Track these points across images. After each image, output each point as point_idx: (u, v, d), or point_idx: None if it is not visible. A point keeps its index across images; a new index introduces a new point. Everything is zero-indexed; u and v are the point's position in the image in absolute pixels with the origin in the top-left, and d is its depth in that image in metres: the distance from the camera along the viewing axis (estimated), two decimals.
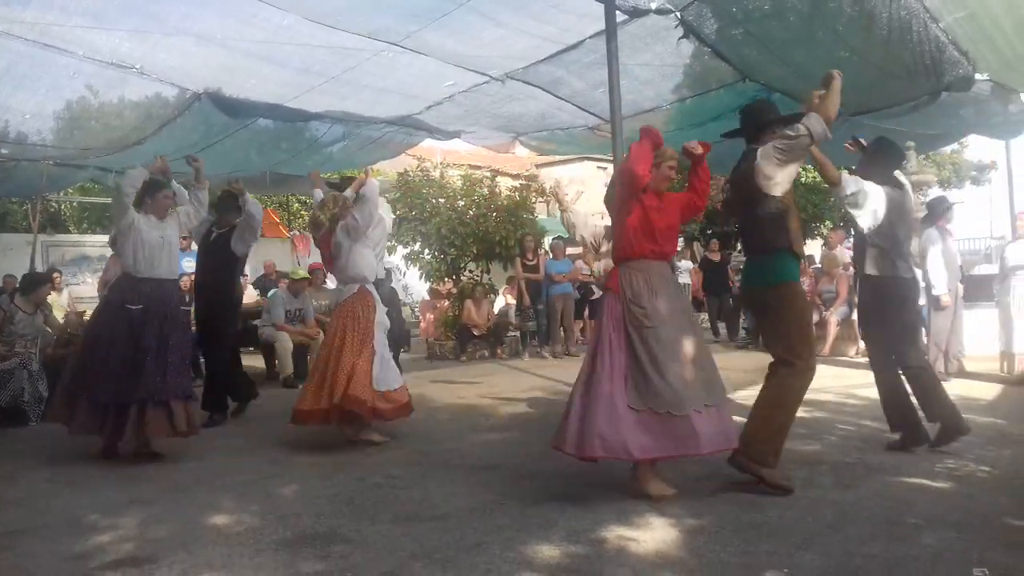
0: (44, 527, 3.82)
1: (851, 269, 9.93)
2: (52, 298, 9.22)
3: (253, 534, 3.61)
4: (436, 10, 6.49)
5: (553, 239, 12.72)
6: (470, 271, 12.84)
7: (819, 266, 11.92)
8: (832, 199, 14.83)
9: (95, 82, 7.76)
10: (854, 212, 5.08)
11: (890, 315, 5.03)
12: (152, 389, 5.04)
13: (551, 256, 12.12)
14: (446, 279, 12.91)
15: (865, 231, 5.06)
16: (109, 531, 3.70)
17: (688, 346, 3.99)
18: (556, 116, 9.55)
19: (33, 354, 6.95)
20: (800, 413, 4.40)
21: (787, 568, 3.05)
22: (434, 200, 12.60)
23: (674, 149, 4.20)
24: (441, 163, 16.13)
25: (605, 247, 5.59)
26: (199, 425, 5.42)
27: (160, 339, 5.15)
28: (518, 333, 12.49)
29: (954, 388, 7.39)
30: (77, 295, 12.56)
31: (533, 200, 12.84)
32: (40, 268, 11.85)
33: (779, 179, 4.14)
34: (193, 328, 6.66)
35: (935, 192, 15.35)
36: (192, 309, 7.06)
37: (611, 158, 7.06)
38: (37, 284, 7.37)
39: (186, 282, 8.50)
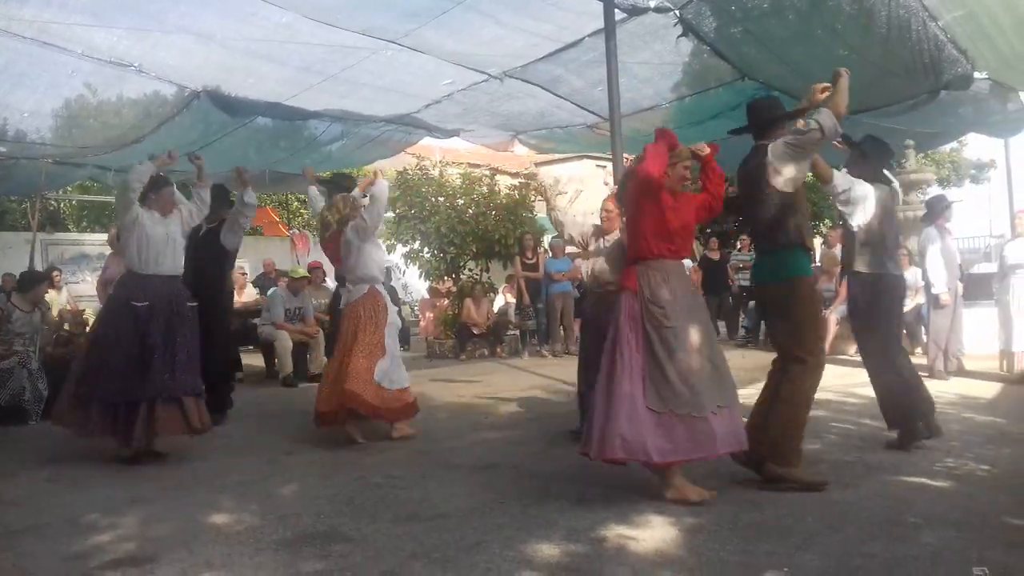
0: (44, 526, 3.81)
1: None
2: (52, 297, 9.23)
3: (253, 533, 3.60)
4: (435, 8, 6.50)
5: (553, 238, 12.71)
6: (469, 270, 12.83)
7: (819, 264, 11.92)
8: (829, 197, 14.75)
9: (94, 80, 7.77)
10: (845, 210, 5.12)
11: (881, 312, 5.07)
12: (162, 386, 5.00)
13: (551, 255, 12.12)
14: (445, 278, 12.91)
15: (855, 228, 5.08)
16: (109, 530, 3.70)
17: (706, 346, 3.98)
18: (555, 114, 9.56)
19: (32, 353, 6.94)
20: None
21: (787, 567, 3.04)
22: (433, 199, 12.59)
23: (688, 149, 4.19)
24: (440, 161, 16.06)
25: (593, 246, 5.59)
26: (210, 423, 5.39)
27: (167, 336, 5.10)
28: (518, 332, 12.48)
29: (953, 387, 7.42)
30: (77, 293, 12.56)
31: (532, 198, 12.83)
32: (39, 266, 11.85)
33: (791, 175, 4.14)
34: None
35: (934, 190, 15.42)
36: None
37: (610, 156, 7.06)
38: (34, 282, 7.34)
39: None
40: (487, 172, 15.18)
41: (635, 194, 4.11)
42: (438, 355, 11.81)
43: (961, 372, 8.20)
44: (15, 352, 6.78)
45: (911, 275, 10.24)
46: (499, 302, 13.01)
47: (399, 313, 6.45)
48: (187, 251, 6.42)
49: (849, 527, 3.50)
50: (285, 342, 9.15)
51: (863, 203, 5.02)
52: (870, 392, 5.28)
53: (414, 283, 16.04)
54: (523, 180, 13.56)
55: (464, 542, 3.42)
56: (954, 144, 20.87)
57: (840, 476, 4.33)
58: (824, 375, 4.30)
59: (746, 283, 12.11)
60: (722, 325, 13.14)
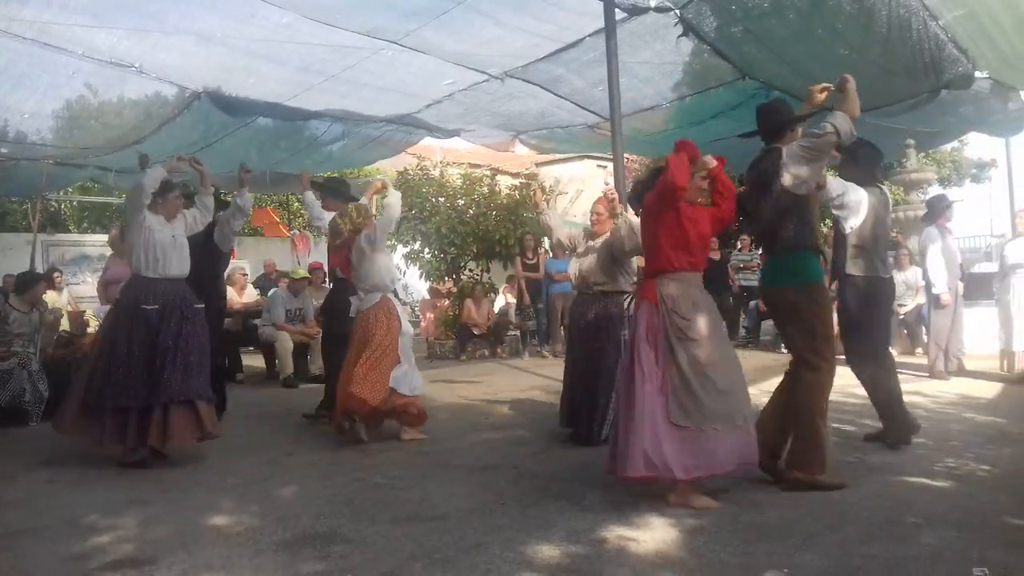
0: (44, 528, 3.81)
1: None
2: (53, 298, 9.23)
3: (252, 535, 3.60)
4: (435, 8, 6.49)
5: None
6: (470, 270, 12.83)
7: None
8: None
9: (94, 81, 7.76)
10: (840, 214, 5.20)
11: (872, 314, 5.14)
12: (177, 390, 4.98)
13: (551, 255, 12.11)
14: (446, 278, 12.91)
15: (847, 232, 5.12)
16: (108, 532, 3.70)
17: (728, 359, 3.98)
18: (555, 114, 9.54)
19: (32, 354, 6.92)
20: None
21: (787, 568, 3.04)
22: (434, 199, 12.60)
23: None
24: (441, 162, 16.11)
25: (582, 248, 5.58)
26: (219, 427, 5.38)
27: (178, 338, 5.08)
28: (518, 332, 12.48)
29: (954, 387, 7.42)
30: (77, 295, 12.55)
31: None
32: (40, 268, 11.85)
33: (805, 177, 4.14)
34: None
35: (935, 190, 15.41)
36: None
37: (611, 156, 7.05)
38: (31, 283, 7.30)
39: None
40: (488, 172, 15.22)
41: (656, 205, 4.06)
42: (438, 356, 11.81)
43: (962, 372, 8.20)
44: (15, 353, 6.77)
45: (912, 275, 10.27)
46: (500, 302, 13.01)
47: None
48: None
49: (849, 527, 3.50)
50: (286, 343, 9.15)
51: (857, 208, 5.09)
52: None
53: (414, 284, 16.04)
54: (524, 180, 13.56)
55: (464, 543, 3.42)
56: (955, 143, 20.81)
57: (840, 476, 4.33)
58: None
59: (746, 283, 12.10)
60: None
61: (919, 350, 10.01)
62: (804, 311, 4.20)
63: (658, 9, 6.77)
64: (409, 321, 6.12)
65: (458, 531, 3.58)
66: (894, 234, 12.17)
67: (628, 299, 5.43)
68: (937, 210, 8.10)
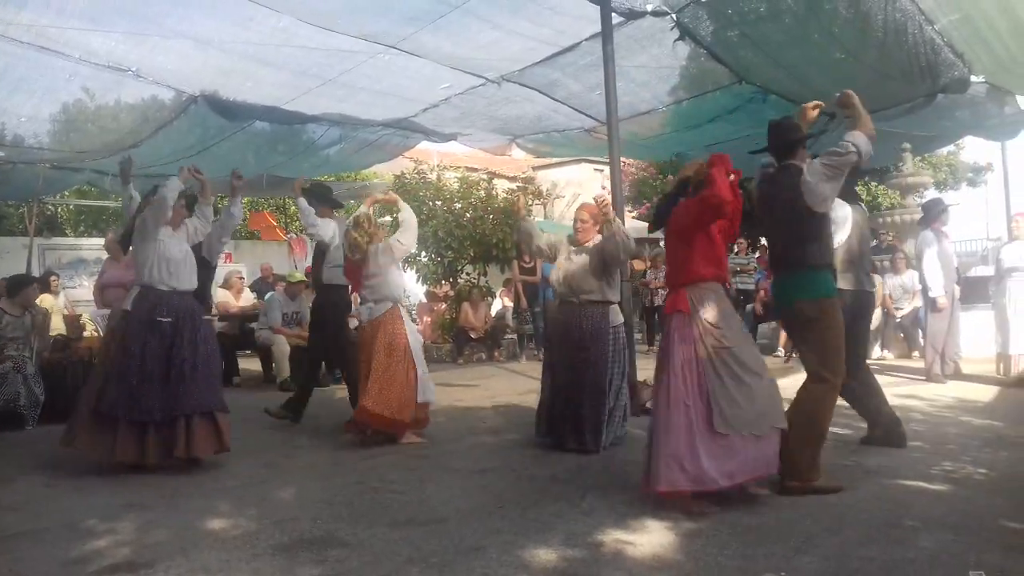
0: (42, 531, 3.80)
1: None
2: (50, 301, 9.20)
3: (250, 538, 3.60)
4: (432, 12, 6.50)
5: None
6: (467, 273, 12.85)
7: None
8: None
9: (91, 85, 7.75)
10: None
11: (857, 328, 5.18)
12: (198, 402, 4.99)
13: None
14: (443, 282, 12.92)
15: (835, 247, 5.17)
16: (106, 536, 3.69)
17: (760, 365, 4.02)
18: (552, 118, 9.56)
19: (27, 358, 6.90)
20: None
21: (784, 571, 3.04)
22: (431, 203, 12.61)
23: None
24: (438, 165, 16.13)
25: (563, 255, 5.51)
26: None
27: (195, 350, 5.08)
28: (515, 336, 12.48)
29: (950, 390, 7.43)
30: (74, 298, 12.52)
31: (530, 202, 12.84)
32: (36, 271, 11.82)
33: (827, 195, 4.19)
34: None
35: (931, 194, 15.46)
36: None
37: (607, 160, 7.06)
38: (22, 286, 7.23)
39: None
40: (485, 176, 15.24)
41: (696, 218, 4.04)
42: (435, 359, 11.79)
43: (958, 375, 8.21)
44: (9, 357, 6.75)
45: (908, 278, 10.29)
46: (497, 306, 13.02)
47: None
48: None
49: (847, 530, 3.50)
50: (282, 346, 9.15)
51: (844, 223, 5.16)
52: None
53: (411, 287, 16.03)
54: (520, 184, 13.57)
55: (462, 546, 3.41)
56: (951, 147, 20.86)
57: (838, 480, 4.33)
58: None
59: (744, 286, 12.13)
60: None
61: (916, 353, 10.02)
62: (815, 327, 4.24)
63: (655, 13, 6.79)
64: None
65: (456, 534, 3.58)
66: (890, 238, 12.22)
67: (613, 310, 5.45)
68: (933, 214, 8.13)
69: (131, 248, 5.37)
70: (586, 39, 7.27)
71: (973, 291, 9.84)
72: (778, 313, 4.73)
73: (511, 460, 5.11)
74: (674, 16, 6.84)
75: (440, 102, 8.85)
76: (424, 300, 13.75)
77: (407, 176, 13.45)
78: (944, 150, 20.35)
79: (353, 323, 9.71)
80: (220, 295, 10.21)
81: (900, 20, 6.33)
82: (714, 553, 3.26)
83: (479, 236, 12.06)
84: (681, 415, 3.82)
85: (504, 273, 13.12)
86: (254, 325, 9.89)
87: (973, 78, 7.47)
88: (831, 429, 5.66)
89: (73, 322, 9.52)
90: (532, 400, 7.57)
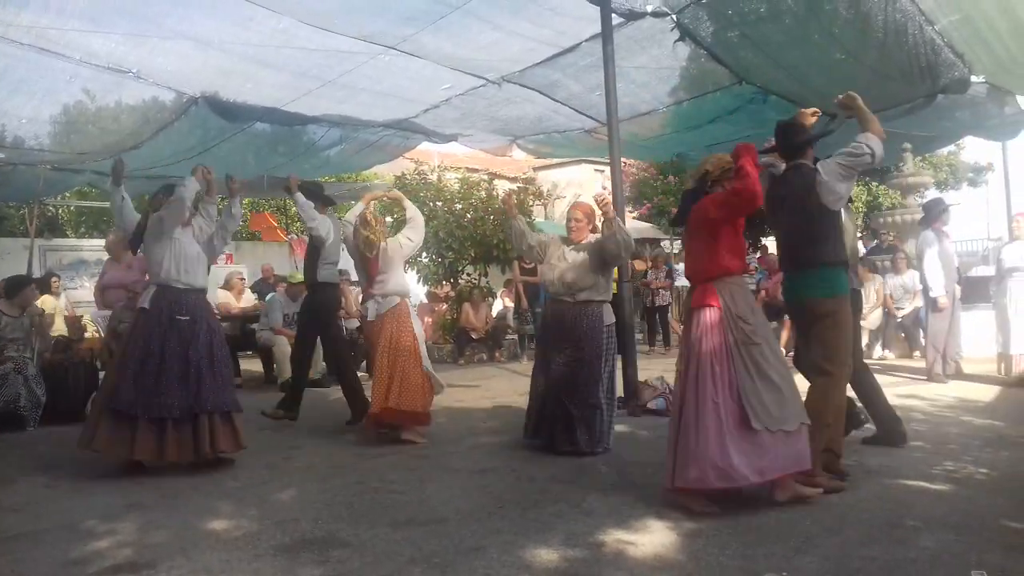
0: (43, 532, 3.80)
1: None
2: (51, 302, 9.20)
3: (251, 539, 3.60)
4: (432, 13, 6.50)
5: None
6: (468, 274, 12.84)
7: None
8: None
9: (92, 86, 7.75)
10: None
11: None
12: (218, 400, 5.00)
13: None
14: (444, 282, 12.91)
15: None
16: (107, 536, 3.69)
17: (783, 362, 4.02)
18: (553, 119, 9.56)
19: (28, 359, 6.89)
20: None
21: (786, 571, 3.04)
22: (431, 203, 12.61)
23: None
24: (438, 166, 16.11)
25: (557, 254, 5.48)
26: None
27: (211, 350, 5.09)
28: (516, 336, 12.48)
29: (951, 390, 7.42)
30: (75, 299, 12.52)
31: (531, 203, 12.85)
32: (37, 272, 11.82)
33: (842, 193, 4.25)
34: None
35: (932, 194, 15.45)
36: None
37: (608, 160, 7.06)
38: (20, 286, 7.20)
39: None
40: (485, 177, 15.25)
41: (725, 211, 3.99)
42: (436, 360, 11.76)
43: (959, 375, 8.21)
44: (9, 358, 6.74)
45: (909, 278, 10.29)
46: (498, 306, 13.02)
47: None
48: None
49: (848, 530, 3.50)
50: (283, 347, 9.14)
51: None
52: None
53: (412, 288, 16.02)
54: (521, 184, 13.58)
55: (462, 547, 3.41)
56: (952, 147, 20.86)
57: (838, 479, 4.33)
58: None
59: None
60: None
61: (917, 353, 10.03)
62: (831, 321, 4.26)
63: (655, 14, 6.79)
64: None
65: (457, 535, 3.58)
66: (891, 238, 12.22)
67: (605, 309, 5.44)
68: (934, 214, 8.13)
69: (140, 248, 5.36)
70: (586, 40, 7.27)
71: (974, 291, 9.84)
72: (788, 309, 4.71)
73: (511, 460, 5.11)
74: (674, 17, 6.84)
75: (440, 103, 8.85)
76: (425, 301, 13.76)
77: (408, 177, 13.45)
78: (945, 150, 20.36)
79: (354, 323, 9.77)
80: (221, 296, 10.21)
81: (900, 21, 6.33)
82: (715, 553, 3.26)
83: (480, 237, 12.06)
84: (710, 412, 3.79)
85: (505, 274, 13.12)
86: (255, 326, 9.89)
87: (973, 78, 7.47)
88: None
89: (74, 323, 9.53)
90: None
